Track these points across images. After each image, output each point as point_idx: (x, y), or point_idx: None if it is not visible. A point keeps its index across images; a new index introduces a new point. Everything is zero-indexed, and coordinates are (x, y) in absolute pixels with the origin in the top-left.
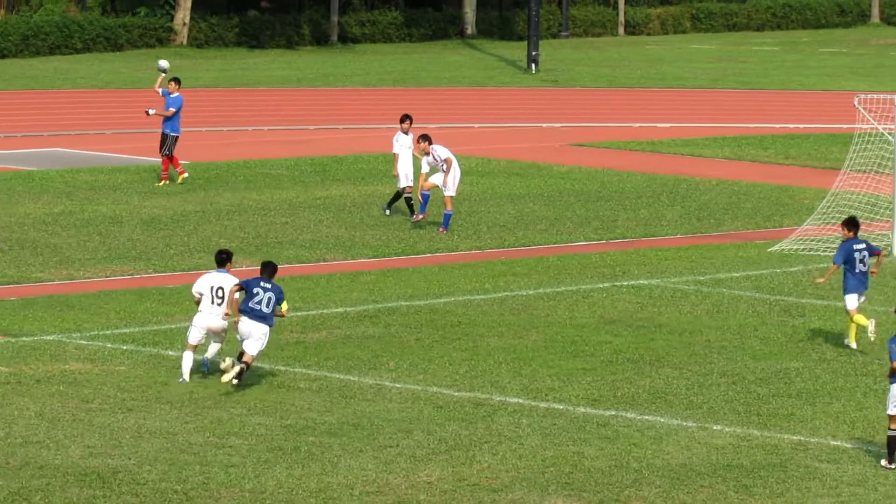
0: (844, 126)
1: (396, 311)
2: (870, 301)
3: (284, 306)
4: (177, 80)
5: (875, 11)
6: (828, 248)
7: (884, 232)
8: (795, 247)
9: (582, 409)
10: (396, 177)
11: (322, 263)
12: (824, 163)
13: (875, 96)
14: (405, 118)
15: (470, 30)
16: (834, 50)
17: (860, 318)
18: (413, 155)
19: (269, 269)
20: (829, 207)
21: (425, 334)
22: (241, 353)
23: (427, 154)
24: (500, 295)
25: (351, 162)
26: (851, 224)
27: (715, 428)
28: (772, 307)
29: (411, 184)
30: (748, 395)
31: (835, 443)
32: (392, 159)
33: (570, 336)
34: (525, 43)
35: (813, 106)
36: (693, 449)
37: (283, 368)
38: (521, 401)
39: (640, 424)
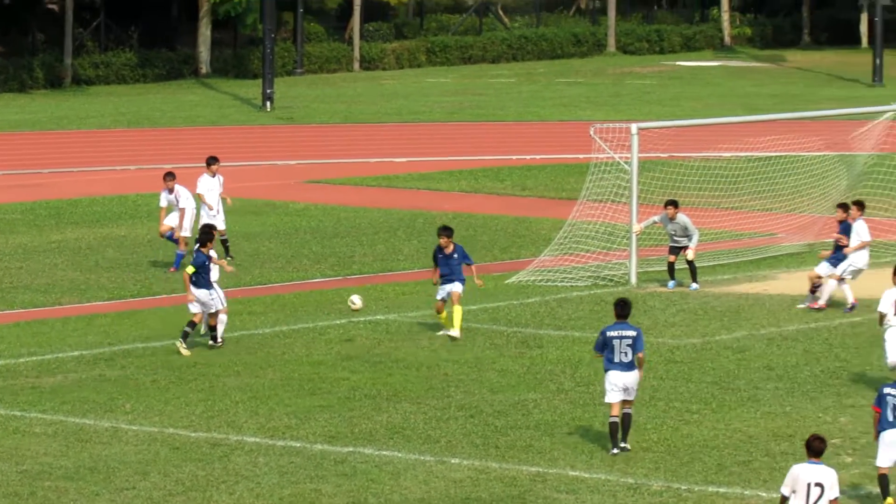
0: (581, 156)
1: (132, 353)
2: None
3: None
4: None
5: (611, 41)
6: (565, 278)
7: (621, 261)
8: (533, 278)
9: (319, 447)
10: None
11: (57, 307)
12: (561, 193)
13: (612, 125)
14: (212, 160)
15: (205, 69)
16: (570, 80)
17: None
18: (220, 197)
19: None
20: (566, 238)
21: (161, 376)
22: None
23: (171, 192)
24: (236, 334)
25: (86, 205)
26: (446, 230)
27: (453, 461)
28: (509, 339)
29: (223, 227)
30: (486, 427)
31: (573, 473)
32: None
33: (308, 373)
34: (260, 81)
35: (550, 136)
36: (431, 483)
37: (18, 413)
38: (258, 440)
39: (377, 460)
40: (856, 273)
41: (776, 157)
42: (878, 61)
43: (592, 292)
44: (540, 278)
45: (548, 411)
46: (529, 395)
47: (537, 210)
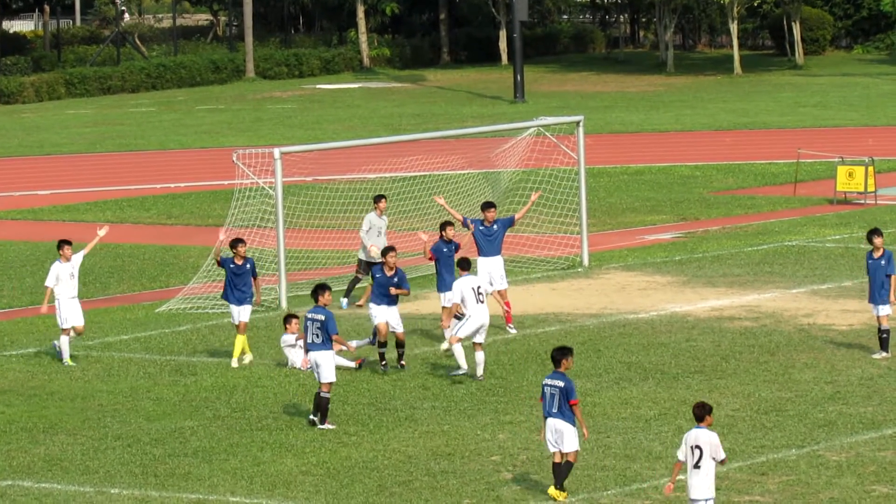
0: (226, 182)
1: None
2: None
3: None
4: None
5: (250, 66)
6: (215, 305)
7: (270, 286)
8: (183, 306)
9: None
10: None
11: None
12: (207, 220)
13: (254, 151)
14: None
15: None
16: (211, 107)
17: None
18: None
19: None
20: (214, 265)
21: None
22: None
23: None
24: None
25: None
26: (237, 241)
27: (113, 492)
28: (163, 367)
29: None
30: (144, 456)
31: (234, 499)
32: None
33: None
34: None
35: (193, 164)
36: None
37: None
38: None
39: (37, 492)
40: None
41: (421, 176)
42: (518, 77)
43: None
44: (190, 306)
45: (205, 438)
46: (186, 422)
47: (184, 238)
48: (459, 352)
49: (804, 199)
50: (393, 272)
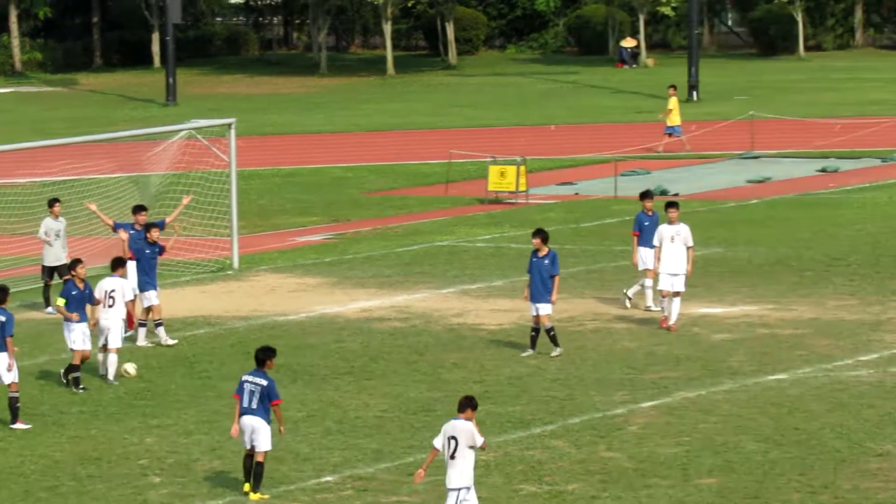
0: None
1: None
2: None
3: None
4: None
5: None
6: None
7: None
8: None
9: None
10: None
11: None
12: None
13: None
14: None
15: None
16: None
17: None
18: None
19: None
20: None
21: None
22: None
23: None
24: None
25: None
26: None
27: None
28: None
29: None
30: None
31: None
32: None
33: None
34: None
35: None
36: None
37: None
38: None
39: None
40: None
41: (71, 180)
42: (171, 80)
43: None
44: None
45: None
46: None
47: None
48: (111, 362)
49: (456, 199)
50: (83, 285)
